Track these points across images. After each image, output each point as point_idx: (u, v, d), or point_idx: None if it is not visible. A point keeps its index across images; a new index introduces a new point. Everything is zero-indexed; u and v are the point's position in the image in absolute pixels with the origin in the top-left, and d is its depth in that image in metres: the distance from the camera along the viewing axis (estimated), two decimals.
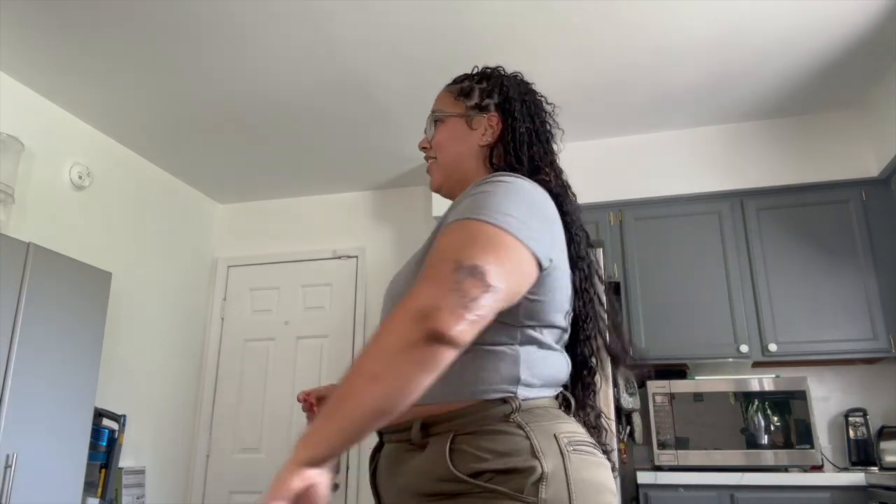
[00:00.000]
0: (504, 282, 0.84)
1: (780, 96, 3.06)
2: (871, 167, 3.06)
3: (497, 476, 0.85)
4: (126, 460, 3.23)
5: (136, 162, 3.57)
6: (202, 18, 2.44)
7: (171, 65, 2.76)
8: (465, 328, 0.78)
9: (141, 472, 3.29)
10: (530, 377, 0.95)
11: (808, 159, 3.16)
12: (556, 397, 1.01)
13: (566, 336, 1.07)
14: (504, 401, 0.91)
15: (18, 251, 2.29)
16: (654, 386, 2.93)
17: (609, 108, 3.16)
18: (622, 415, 2.82)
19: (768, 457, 2.73)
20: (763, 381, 2.85)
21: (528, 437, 0.88)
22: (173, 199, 3.86)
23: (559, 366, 1.02)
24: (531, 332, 0.97)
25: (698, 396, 2.88)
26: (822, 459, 2.89)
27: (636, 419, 2.88)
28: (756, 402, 2.82)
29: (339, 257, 3.96)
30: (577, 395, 1.09)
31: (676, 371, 3.18)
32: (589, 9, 2.44)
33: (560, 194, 1.10)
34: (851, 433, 2.94)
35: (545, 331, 0.99)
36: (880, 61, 2.79)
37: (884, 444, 2.90)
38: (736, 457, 2.75)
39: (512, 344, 0.95)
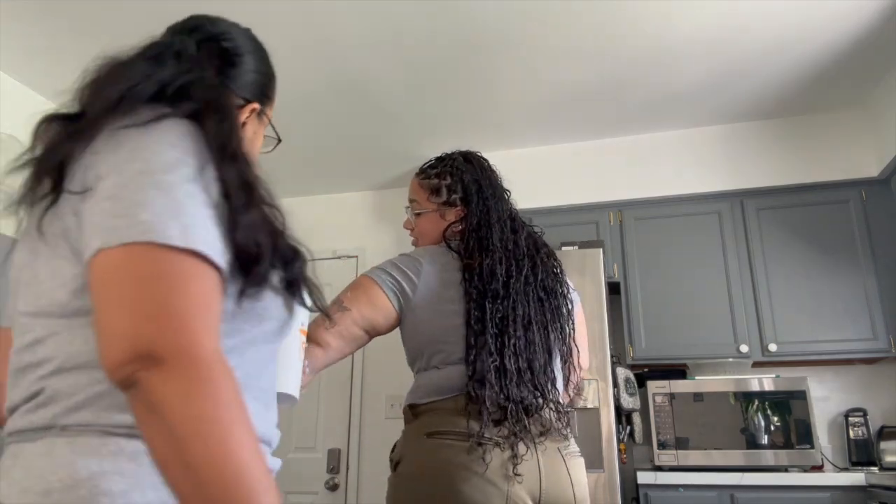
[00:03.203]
0: (353, 306, 1.37)
1: (780, 96, 3.06)
2: (871, 167, 3.06)
3: (396, 461, 1.35)
4: None
5: None
6: None
7: None
8: (326, 334, 1.36)
9: None
10: (417, 390, 1.40)
11: (808, 159, 3.16)
12: (456, 398, 1.33)
13: (456, 356, 1.38)
14: (405, 410, 1.41)
15: None
16: (654, 386, 2.93)
17: (609, 108, 3.16)
18: (622, 415, 2.82)
19: (768, 457, 2.73)
20: (763, 381, 2.85)
21: (403, 434, 1.37)
22: None
23: (443, 379, 1.37)
24: (417, 361, 1.44)
25: (698, 396, 2.88)
26: (822, 459, 2.88)
27: (636, 419, 2.88)
28: (756, 402, 2.82)
29: (339, 257, 3.96)
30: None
31: (676, 371, 3.18)
32: (589, 9, 2.44)
33: (478, 264, 1.45)
34: (851, 433, 2.94)
35: (425, 357, 1.41)
36: (880, 61, 2.79)
37: (884, 444, 2.90)
38: (736, 457, 2.75)
39: (414, 372, 1.46)
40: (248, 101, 0.94)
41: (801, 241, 3.06)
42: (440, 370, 1.38)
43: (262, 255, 0.75)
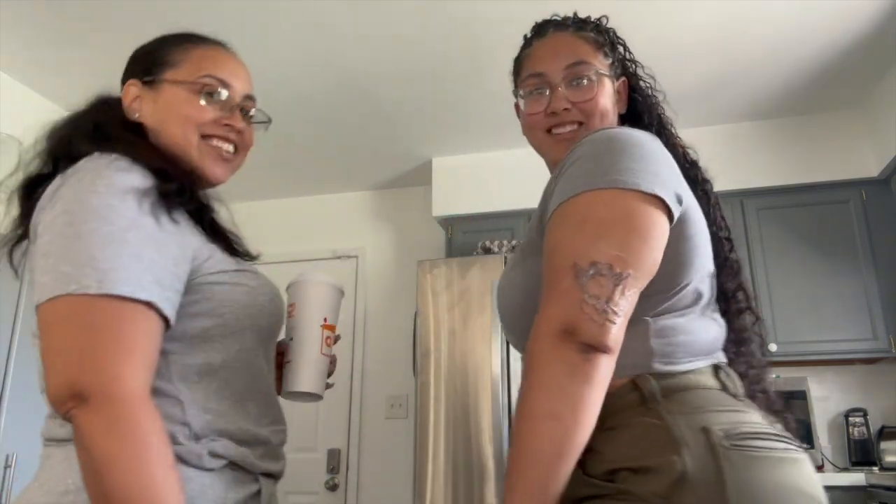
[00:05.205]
0: (633, 265, 0.75)
1: (780, 96, 3.06)
2: (871, 167, 3.06)
3: (631, 475, 0.73)
4: None
5: None
6: (203, 19, 2.44)
7: None
8: (612, 329, 0.73)
9: None
10: (667, 347, 0.81)
11: (808, 159, 3.16)
12: (715, 372, 0.83)
13: (712, 297, 0.91)
14: (635, 385, 0.79)
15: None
16: None
17: None
18: None
19: None
20: None
21: (667, 430, 0.74)
22: None
23: (705, 332, 0.85)
24: (664, 296, 0.83)
25: None
26: (823, 459, 2.89)
27: None
28: None
29: (339, 257, 3.96)
30: (740, 371, 0.92)
31: None
32: (588, 9, 2.43)
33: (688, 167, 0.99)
34: (851, 433, 2.94)
35: (682, 292, 0.84)
36: (880, 61, 2.79)
37: (884, 444, 2.90)
38: None
39: (641, 315, 0.80)
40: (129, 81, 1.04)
41: (801, 241, 3.06)
42: (699, 317, 0.86)
43: (169, 168, 0.87)
